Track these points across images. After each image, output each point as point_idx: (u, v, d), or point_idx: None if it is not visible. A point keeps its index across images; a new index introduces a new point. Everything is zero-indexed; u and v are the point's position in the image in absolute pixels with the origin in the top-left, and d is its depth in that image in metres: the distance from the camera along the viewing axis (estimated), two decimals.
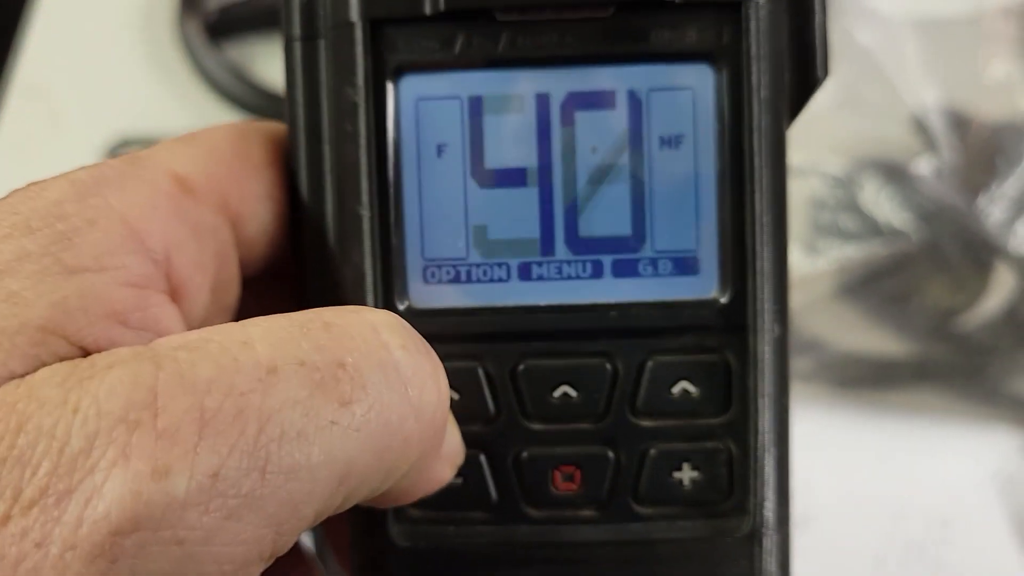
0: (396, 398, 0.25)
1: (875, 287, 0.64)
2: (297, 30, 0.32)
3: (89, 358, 0.23)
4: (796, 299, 0.65)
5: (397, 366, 0.25)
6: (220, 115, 0.77)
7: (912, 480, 0.63)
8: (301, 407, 0.23)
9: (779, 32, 0.32)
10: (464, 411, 0.32)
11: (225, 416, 0.22)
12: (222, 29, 0.79)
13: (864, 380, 0.64)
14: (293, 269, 0.33)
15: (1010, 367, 0.63)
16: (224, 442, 0.22)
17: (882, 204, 0.64)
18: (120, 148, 0.76)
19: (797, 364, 0.64)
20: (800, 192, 0.65)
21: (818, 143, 0.65)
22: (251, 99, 0.76)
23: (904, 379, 0.64)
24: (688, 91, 0.32)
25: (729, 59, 0.31)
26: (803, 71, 0.32)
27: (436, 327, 0.31)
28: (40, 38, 0.82)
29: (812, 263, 0.64)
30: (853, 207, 0.64)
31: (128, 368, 0.22)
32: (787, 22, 0.32)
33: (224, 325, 0.24)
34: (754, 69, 0.31)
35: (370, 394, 0.24)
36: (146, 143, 0.75)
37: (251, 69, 0.78)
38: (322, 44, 0.32)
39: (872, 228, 0.64)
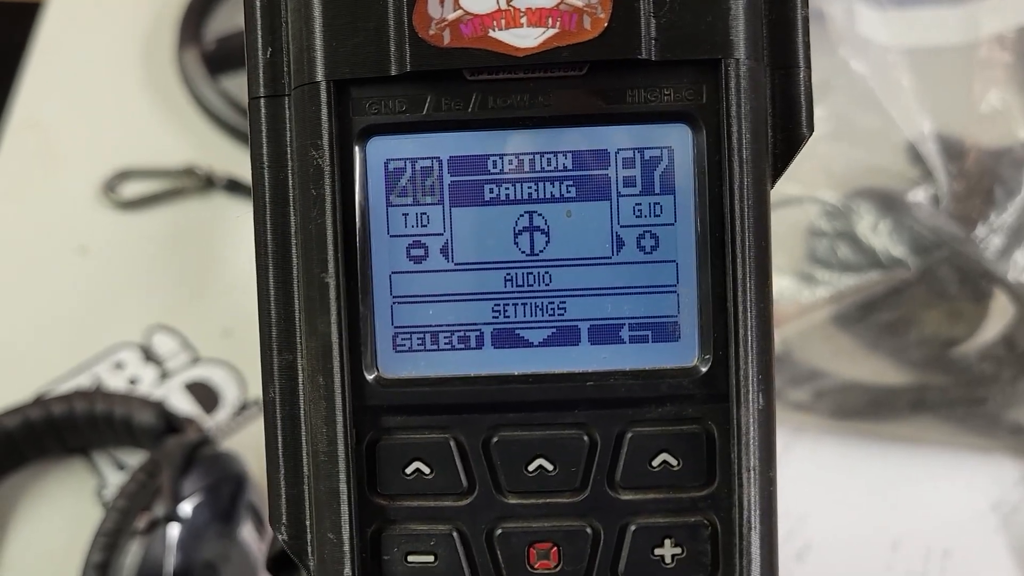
0: None
1: (873, 316, 0.64)
2: (261, 88, 0.31)
3: None
4: (793, 329, 0.64)
5: None
6: (218, 145, 0.77)
7: (911, 511, 0.63)
8: None
9: (760, 89, 0.30)
10: (435, 486, 0.31)
11: None
12: (220, 60, 0.79)
13: (862, 410, 0.64)
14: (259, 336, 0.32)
15: (1010, 397, 0.62)
16: None
17: (879, 233, 0.63)
18: (118, 179, 0.76)
19: (794, 394, 0.63)
20: (797, 221, 0.65)
21: (814, 172, 0.64)
22: None
23: (902, 409, 0.64)
24: (666, 152, 0.31)
25: (708, 118, 0.30)
26: (787, 128, 0.31)
27: (406, 398, 0.31)
28: (38, 72, 0.82)
29: (809, 293, 0.64)
30: (850, 236, 0.64)
31: None
32: (768, 78, 0.31)
33: None
34: (734, 129, 0.30)
35: None
36: (144, 174, 0.76)
37: None
38: (287, 102, 0.30)
39: (870, 257, 0.63)
